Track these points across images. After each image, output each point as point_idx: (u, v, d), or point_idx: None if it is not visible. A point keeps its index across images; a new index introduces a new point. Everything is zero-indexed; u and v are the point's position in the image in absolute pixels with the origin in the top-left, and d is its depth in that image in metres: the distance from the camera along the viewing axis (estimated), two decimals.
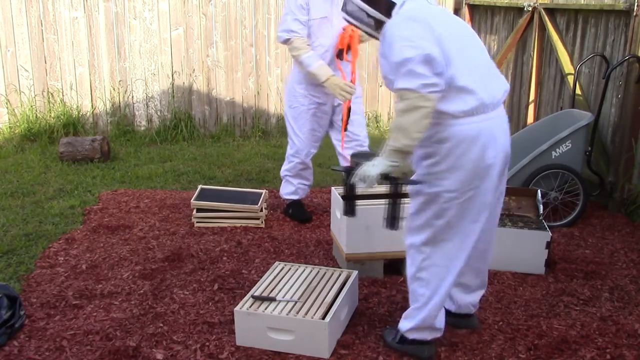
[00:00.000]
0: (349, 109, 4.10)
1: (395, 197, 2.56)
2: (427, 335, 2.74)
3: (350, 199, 2.71)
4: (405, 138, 2.37)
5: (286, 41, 4.03)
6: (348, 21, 2.67)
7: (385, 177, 2.47)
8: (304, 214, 4.55)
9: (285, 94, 4.38)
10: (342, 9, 2.66)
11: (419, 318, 2.69)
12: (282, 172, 4.53)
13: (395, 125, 2.40)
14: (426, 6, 2.56)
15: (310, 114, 4.23)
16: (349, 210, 2.73)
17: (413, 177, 2.62)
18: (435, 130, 2.47)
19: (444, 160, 2.49)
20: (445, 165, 2.49)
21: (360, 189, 2.58)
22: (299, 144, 4.30)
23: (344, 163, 4.25)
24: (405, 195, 2.62)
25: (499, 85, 2.58)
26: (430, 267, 2.63)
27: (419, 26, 2.41)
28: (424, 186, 2.55)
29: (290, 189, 4.54)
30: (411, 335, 2.74)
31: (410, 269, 2.71)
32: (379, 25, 2.56)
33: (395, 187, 2.54)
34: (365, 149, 4.27)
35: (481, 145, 2.46)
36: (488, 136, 2.47)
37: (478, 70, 2.51)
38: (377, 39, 2.62)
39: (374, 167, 2.45)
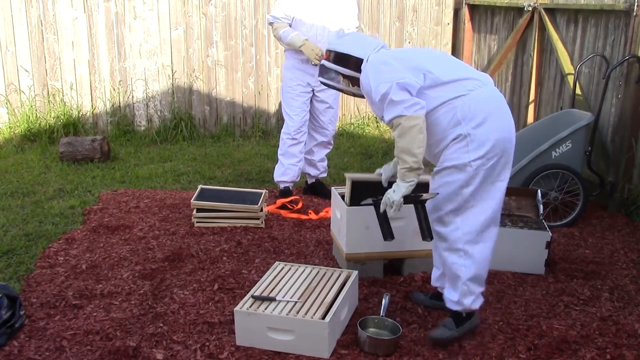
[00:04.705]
0: None
1: (422, 212, 2.82)
2: (479, 299, 2.86)
3: (386, 224, 2.87)
4: (410, 157, 2.64)
5: (271, 24, 4.69)
6: (328, 85, 3.02)
7: (407, 198, 2.74)
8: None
9: (282, 84, 4.91)
10: (319, 77, 3.02)
11: (471, 286, 2.81)
12: (278, 156, 4.92)
13: (399, 151, 2.68)
14: (389, 50, 2.90)
15: (298, 92, 4.72)
16: (388, 234, 2.89)
17: (441, 162, 2.78)
18: (450, 116, 2.67)
19: (467, 135, 2.66)
20: (469, 138, 2.66)
21: (391, 214, 2.79)
22: (291, 122, 4.76)
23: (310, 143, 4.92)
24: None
25: (484, 74, 2.85)
26: (463, 236, 2.75)
27: (386, 66, 2.73)
28: (453, 160, 2.69)
29: (280, 171, 4.90)
30: (475, 305, 2.84)
31: (442, 244, 2.84)
32: (355, 82, 2.90)
33: (418, 203, 2.81)
34: (329, 139, 4.91)
35: (495, 107, 2.71)
36: (499, 99, 2.74)
37: (460, 66, 2.83)
38: (360, 96, 2.94)
39: (395, 193, 2.73)
